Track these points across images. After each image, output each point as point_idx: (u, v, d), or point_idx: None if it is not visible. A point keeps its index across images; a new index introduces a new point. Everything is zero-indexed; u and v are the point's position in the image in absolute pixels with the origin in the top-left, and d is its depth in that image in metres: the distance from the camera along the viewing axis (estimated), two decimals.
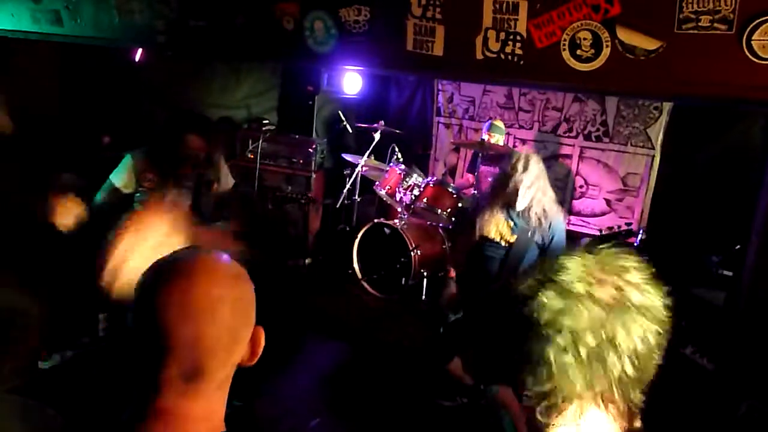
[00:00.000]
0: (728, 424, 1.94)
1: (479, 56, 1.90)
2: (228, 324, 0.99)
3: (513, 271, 3.19)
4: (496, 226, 3.25)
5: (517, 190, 3.13)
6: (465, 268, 3.51)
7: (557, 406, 0.99)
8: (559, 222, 3.24)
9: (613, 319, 0.95)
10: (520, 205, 3.15)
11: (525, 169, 3.12)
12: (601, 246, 1.05)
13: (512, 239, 3.21)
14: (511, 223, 3.21)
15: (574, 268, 1.00)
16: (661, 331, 0.98)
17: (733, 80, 1.59)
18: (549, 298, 0.97)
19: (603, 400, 0.97)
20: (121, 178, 3.35)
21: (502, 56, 1.85)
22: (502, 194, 3.20)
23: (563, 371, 0.95)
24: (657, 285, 1.00)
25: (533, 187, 3.12)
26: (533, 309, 0.98)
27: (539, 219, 3.15)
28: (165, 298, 0.96)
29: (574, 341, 0.94)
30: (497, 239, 3.25)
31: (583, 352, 0.94)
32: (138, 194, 3.39)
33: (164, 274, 1.00)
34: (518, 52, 1.83)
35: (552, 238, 3.18)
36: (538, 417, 1.00)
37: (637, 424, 1.01)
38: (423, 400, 3.51)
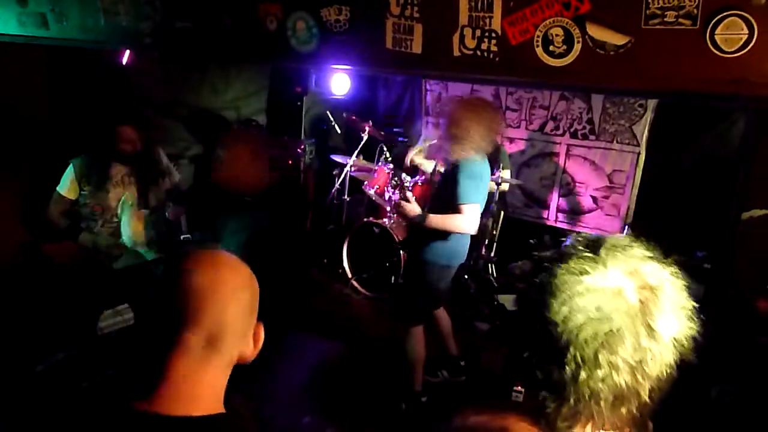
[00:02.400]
0: (700, 409, 2.00)
1: (456, 53, 1.95)
2: (245, 311, 1.15)
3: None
4: None
5: None
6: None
7: (575, 424, 0.97)
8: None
9: (649, 350, 0.92)
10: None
11: None
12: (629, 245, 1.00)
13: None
14: None
15: (610, 289, 0.94)
16: (685, 351, 0.95)
17: (699, 74, 1.64)
18: (591, 335, 0.92)
19: (623, 420, 0.96)
20: (65, 186, 3.52)
21: (479, 53, 1.90)
22: None
23: (595, 399, 0.93)
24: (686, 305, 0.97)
25: None
26: (572, 341, 0.93)
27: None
28: (196, 275, 1.10)
29: (613, 374, 0.91)
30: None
31: (621, 384, 0.92)
32: (81, 198, 3.51)
33: (194, 258, 1.15)
34: (493, 49, 1.88)
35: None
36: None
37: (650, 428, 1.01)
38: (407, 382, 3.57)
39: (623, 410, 0.94)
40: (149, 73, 4.86)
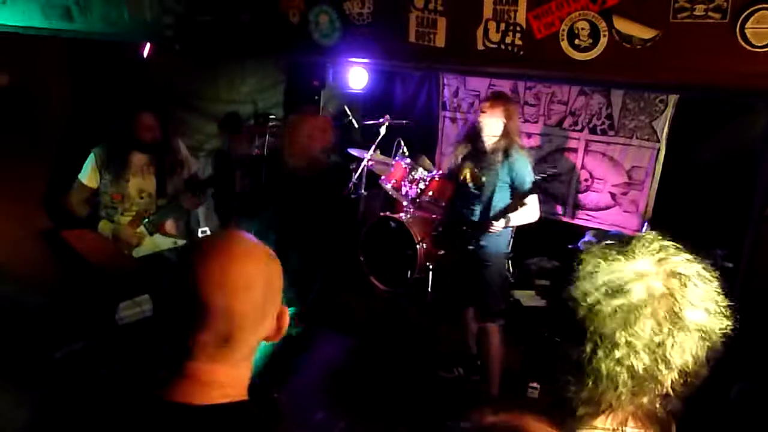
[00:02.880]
0: (721, 407, 1.98)
1: (480, 47, 1.94)
2: (259, 301, 1.10)
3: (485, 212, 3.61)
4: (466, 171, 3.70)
5: (479, 129, 3.59)
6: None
7: (596, 414, 0.97)
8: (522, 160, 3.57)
9: (670, 335, 0.90)
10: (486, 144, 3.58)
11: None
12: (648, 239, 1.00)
13: (479, 180, 3.61)
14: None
15: (633, 270, 0.94)
16: (715, 346, 0.94)
17: (727, 68, 1.61)
18: (610, 312, 0.92)
19: (644, 412, 0.95)
20: (86, 174, 3.57)
21: (502, 47, 1.89)
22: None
23: (613, 382, 0.92)
24: (714, 295, 0.95)
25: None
26: (592, 318, 0.93)
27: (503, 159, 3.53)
28: (206, 270, 1.06)
29: (631, 355, 0.90)
30: (469, 182, 3.68)
31: (638, 367, 0.90)
32: (101, 186, 3.55)
33: (205, 249, 1.11)
34: (518, 42, 1.87)
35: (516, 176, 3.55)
36: (573, 420, 0.97)
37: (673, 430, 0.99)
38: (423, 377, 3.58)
39: (644, 399, 0.93)
40: (167, 65, 4.89)
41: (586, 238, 4.50)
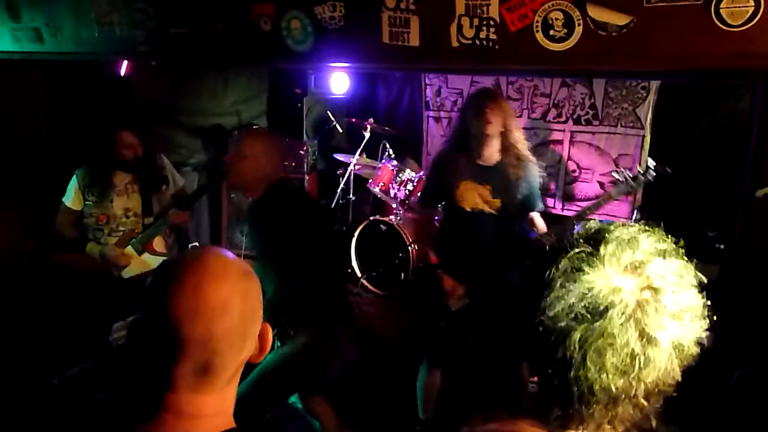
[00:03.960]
0: (723, 392, 1.96)
1: (455, 44, 1.91)
2: (237, 322, 1.02)
3: (509, 242, 2.95)
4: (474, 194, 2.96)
5: (481, 138, 2.88)
6: (441, 249, 3.21)
7: (569, 424, 0.94)
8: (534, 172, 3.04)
9: (643, 354, 0.87)
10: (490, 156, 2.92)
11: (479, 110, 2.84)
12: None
13: (497, 204, 2.94)
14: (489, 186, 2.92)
15: (605, 287, 0.90)
16: (686, 357, 0.91)
17: (705, 50, 1.60)
18: (582, 336, 0.88)
19: (619, 419, 0.93)
20: (70, 197, 3.53)
21: (477, 42, 1.87)
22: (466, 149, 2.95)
23: (584, 401, 0.90)
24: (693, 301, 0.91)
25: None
26: (561, 341, 0.90)
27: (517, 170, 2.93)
28: (176, 297, 0.98)
29: (603, 376, 0.88)
30: (480, 209, 2.95)
31: (611, 387, 0.88)
32: (86, 208, 3.51)
33: (175, 273, 1.02)
34: (492, 37, 1.84)
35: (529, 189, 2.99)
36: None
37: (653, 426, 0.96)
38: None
39: (618, 410, 0.91)
40: (147, 82, 4.84)
41: (577, 229, 4.47)
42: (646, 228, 0.97)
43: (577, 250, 0.93)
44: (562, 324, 0.89)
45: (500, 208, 2.93)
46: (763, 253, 2.05)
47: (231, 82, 5.66)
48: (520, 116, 5.72)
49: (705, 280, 0.94)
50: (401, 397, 3.56)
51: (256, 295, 1.10)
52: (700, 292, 0.93)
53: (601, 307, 0.88)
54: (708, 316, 0.92)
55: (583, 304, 0.89)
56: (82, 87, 4.21)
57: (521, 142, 3.01)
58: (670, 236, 0.98)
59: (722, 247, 3.45)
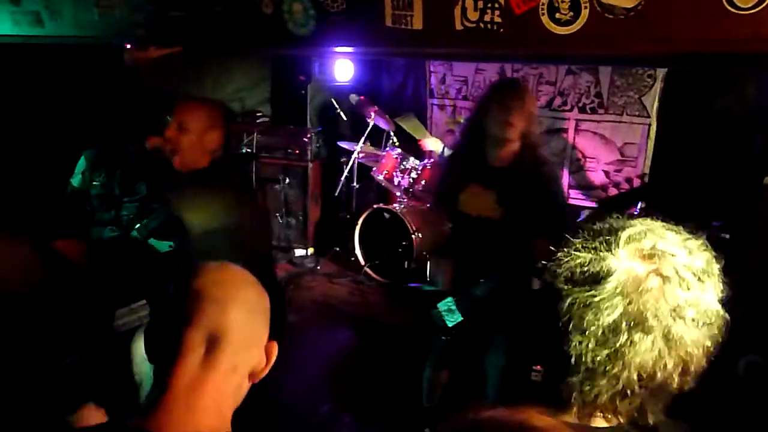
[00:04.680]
0: (728, 381, 1.94)
1: (459, 27, 1.88)
2: (247, 316, 1.09)
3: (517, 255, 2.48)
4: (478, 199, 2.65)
5: (499, 142, 2.53)
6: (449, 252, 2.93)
7: (568, 408, 0.94)
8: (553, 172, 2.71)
9: (628, 333, 0.87)
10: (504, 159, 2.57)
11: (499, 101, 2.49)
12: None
13: (499, 212, 2.62)
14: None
15: (611, 263, 0.89)
16: (685, 356, 0.89)
17: (715, 34, 1.56)
18: (573, 299, 0.89)
19: (608, 408, 0.92)
20: (77, 178, 3.48)
21: (482, 25, 1.83)
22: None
23: (563, 369, 0.91)
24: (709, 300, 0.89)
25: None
26: (561, 312, 0.90)
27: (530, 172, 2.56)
28: (202, 275, 1.10)
29: (583, 343, 0.88)
30: (486, 215, 2.64)
31: (587, 357, 0.88)
32: (93, 190, 3.47)
33: (204, 264, 1.15)
34: (497, 20, 1.81)
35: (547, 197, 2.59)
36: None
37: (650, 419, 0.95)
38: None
39: (600, 390, 0.90)
40: (152, 66, 4.82)
41: (581, 218, 4.45)
42: (676, 228, 0.96)
43: (598, 226, 0.95)
44: (557, 284, 0.91)
45: (504, 217, 2.60)
46: None
47: (234, 69, 5.63)
48: None
49: (728, 291, 0.92)
50: (404, 385, 3.56)
51: (267, 311, 1.17)
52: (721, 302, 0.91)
53: (598, 277, 0.89)
54: (725, 328, 0.90)
55: (582, 270, 0.90)
56: (89, 70, 4.18)
57: (540, 143, 2.73)
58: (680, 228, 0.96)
59: (727, 236, 3.41)
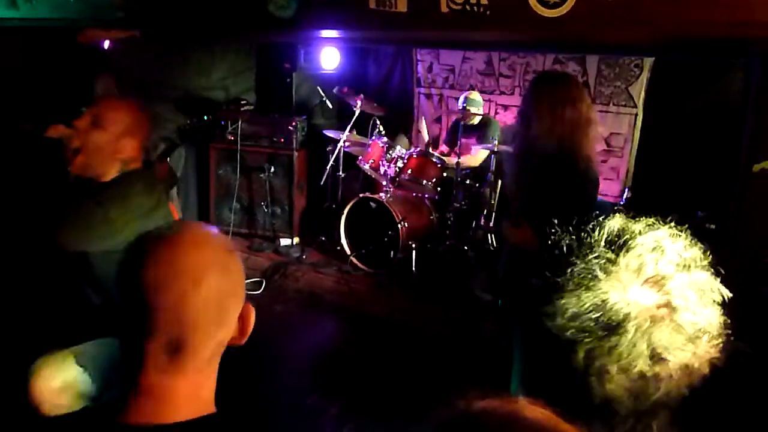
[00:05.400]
0: (717, 373, 1.92)
1: (444, 9, 1.84)
2: (214, 294, 0.96)
3: None
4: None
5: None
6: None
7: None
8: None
9: (652, 373, 0.83)
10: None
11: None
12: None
13: None
14: None
15: (621, 301, 0.84)
16: (693, 377, 0.85)
17: (705, 18, 1.53)
18: (592, 347, 0.83)
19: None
20: None
21: (468, 8, 1.79)
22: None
23: (587, 413, 0.85)
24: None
25: None
26: (574, 358, 0.84)
27: None
28: (149, 267, 0.94)
29: (611, 391, 0.83)
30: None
31: (617, 403, 0.84)
32: None
33: (150, 244, 0.98)
34: (483, 2, 1.77)
35: None
36: None
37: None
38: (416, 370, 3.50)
39: (625, 425, 0.87)
40: (132, 55, 4.73)
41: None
42: (675, 231, 0.90)
43: (595, 255, 0.87)
44: (569, 334, 0.84)
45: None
46: (757, 227, 2.00)
47: (219, 57, 5.56)
48: (512, 94, 5.66)
49: (729, 295, 0.87)
50: (391, 374, 3.55)
51: (238, 273, 1.05)
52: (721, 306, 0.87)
53: (613, 324, 0.82)
54: (725, 334, 0.86)
55: (594, 317, 0.83)
56: (63, 61, 4.08)
57: None
58: (696, 241, 0.90)
59: (713, 227, 3.42)
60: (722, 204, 3.43)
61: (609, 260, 0.85)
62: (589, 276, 0.85)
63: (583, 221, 0.93)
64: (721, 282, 0.90)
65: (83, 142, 2.04)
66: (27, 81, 3.86)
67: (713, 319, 0.85)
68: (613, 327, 0.82)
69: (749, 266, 1.97)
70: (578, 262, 0.87)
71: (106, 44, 4.59)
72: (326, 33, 2.22)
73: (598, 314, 0.83)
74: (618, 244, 0.87)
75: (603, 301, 0.83)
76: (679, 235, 0.90)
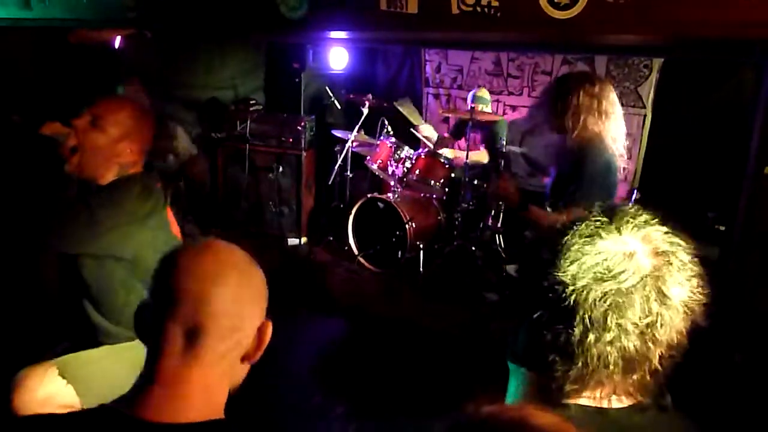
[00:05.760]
0: (724, 375, 1.93)
1: (455, 11, 1.84)
2: (231, 298, 1.04)
3: None
4: None
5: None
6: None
7: (584, 389, 0.94)
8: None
9: (659, 314, 0.89)
10: None
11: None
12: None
13: None
14: None
15: (621, 251, 0.92)
16: (697, 319, 0.93)
17: (713, 19, 1.54)
18: (600, 296, 0.89)
19: (632, 384, 0.94)
20: None
21: (478, 9, 1.79)
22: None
23: (604, 363, 0.90)
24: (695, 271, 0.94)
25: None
26: (581, 302, 0.90)
27: None
28: (180, 262, 1.05)
29: (622, 337, 0.89)
30: None
31: (630, 347, 0.89)
32: None
33: (184, 250, 1.10)
34: (494, 3, 1.77)
35: None
36: (560, 394, 0.94)
37: (668, 399, 0.97)
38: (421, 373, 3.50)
39: (634, 376, 0.92)
40: (141, 54, 4.76)
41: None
42: (643, 208, 0.99)
43: (593, 219, 0.96)
44: (581, 283, 0.90)
45: None
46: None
47: (228, 56, 5.58)
48: (521, 94, 5.65)
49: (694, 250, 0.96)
50: (397, 374, 3.55)
51: (259, 287, 1.12)
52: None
53: (619, 267, 0.90)
54: (705, 286, 0.94)
55: (601, 266, 0.90)
56: (74, 58, 4.11)
57: None
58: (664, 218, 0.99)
59: (722, 228, 3.40)
60: (732, 205, 3.42)
61: (604, 222, 0.95)
62: (591, 235, 0.94)
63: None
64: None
65: (80, 142, 1.95)
66: (37, 80, 3.88)
67: (687, 258, 0.94)
68: (619, 271, 0.90)
69: (758, 267, 1.97)
70: (581, 227, 0.95)
71: (117, 43, 4.62)
72: (337, 34, 2.23)
73: (605, 262, 0.90)
74: (610, 213, 0.97)
75: (606, 250, 0.91)
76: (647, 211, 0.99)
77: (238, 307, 1.05)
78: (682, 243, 0.95)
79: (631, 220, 0.95)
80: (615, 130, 2.58)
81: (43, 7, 2.67)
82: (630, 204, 0.99)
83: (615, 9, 1.62)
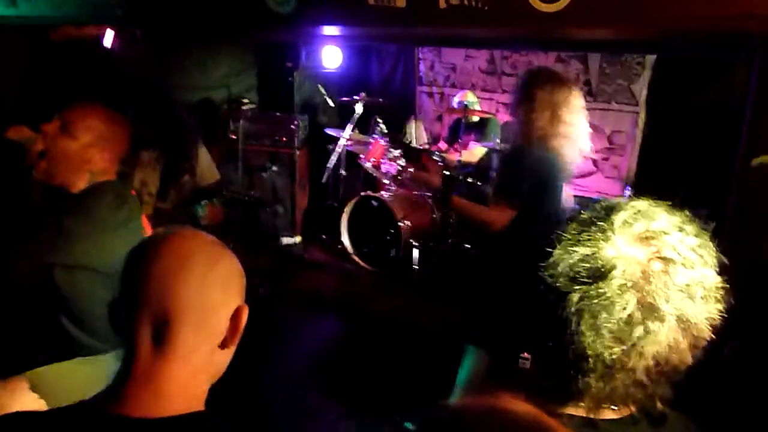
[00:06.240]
0: (714, 366, 1.92)
1: (443, 5, 1.84)
2: (198, 280, 1.00)
3: None
4: None
5: None
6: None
7: (567, 399, 0.93)
8: None
9: (643, 325, 0.85)
10: None
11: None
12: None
13: None
14: None
15: (611, 253, 0.88)
16: (699, 333, 0.88)
17: (703, 12, 1.53)
18: (578, 297, 0.87)
19: (618, 396, 0.91)
20: None
21: (466, 3, 1.79)
22: None
23: (579, 369, 0.88)
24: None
25: None
26: (560, 300, 0.88)
27: None
28: (144, 253, 1.02)
29: (598, 343, 0.86)
30: None
31: (605, 355, 0.86)
32: None
33: (147, 244, 1.06)
34: None
35: None
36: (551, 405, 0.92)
37: (662, 414, 0.94)
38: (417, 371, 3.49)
39: (616, 383, 0.88)
40: (131, 52, 4.73)
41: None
42: (668, 205, 0.95)
43: (588, 214, 0.93)
44: (560, 283, 0.88)
45: None
46: (756, 222, 1.99)
47: (221, 55, 5.56)
48: None
49: (726, 261, 0.91)
50: (392, 373, 3.54)
51: (230, 271, 1.08)
52: (719, 273, 0.89)
53: (602, 270, 0.86)
54: (725, 300, 0.88)
55: (584, 266, 0.88)
56: (63, 58, 4.08)
57: None
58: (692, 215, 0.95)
59: (714, 224, 3.40)
60: (722, 200, 3.42)
61: (601, 218, 0.92)
62: (582, 232, 0.91)
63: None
64: (719, 275, 0.91)
65: (49, 148, 1.88)
66: (26, 80, 3.85)
67: (710, 280, 0.88)
68: (601, 274, 0.86)
69: (747, 261, 1.97)
70: (574, 224, 0.93)
71: (108, 43, 4.58)
72: (326, 29, 2.22)
73: (588, 263, 0.87)
74: (610, 208, 0.94)
75: (593, 252, 0.88)
76: (672, 209, 0.94)
77: (205, 295, 1.01)
78: (700, 249, 0.88)
79: (633, 218, 0.91)
80: (570, 130, 2.59)
81: (29, 4, 2.65)
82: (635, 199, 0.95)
83: (602, 1, 1.62)
